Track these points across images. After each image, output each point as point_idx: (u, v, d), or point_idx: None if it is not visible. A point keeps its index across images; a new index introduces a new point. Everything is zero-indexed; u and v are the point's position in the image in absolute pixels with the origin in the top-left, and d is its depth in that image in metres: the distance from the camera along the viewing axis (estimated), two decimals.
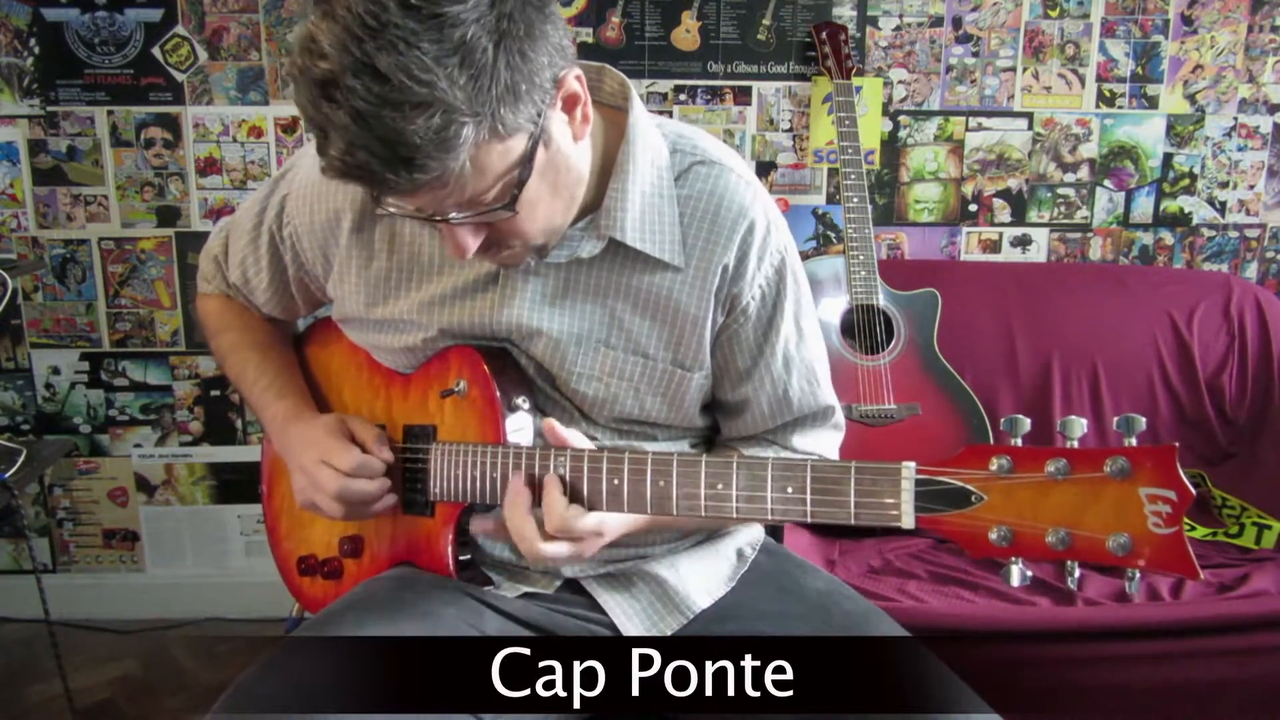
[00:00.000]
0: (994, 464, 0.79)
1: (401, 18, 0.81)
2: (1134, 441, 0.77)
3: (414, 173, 0.85)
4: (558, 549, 1.00)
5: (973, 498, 0.80)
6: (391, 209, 0.95)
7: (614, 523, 1.02)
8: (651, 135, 1.08)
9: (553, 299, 1.09)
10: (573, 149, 0.98)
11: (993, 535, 0.79)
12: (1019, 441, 0.81)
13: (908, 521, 0.83)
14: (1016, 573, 0.84)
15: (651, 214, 1.07)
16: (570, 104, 0.95)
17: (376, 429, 1.15)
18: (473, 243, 0.96)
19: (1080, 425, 0.81)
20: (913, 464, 0.83)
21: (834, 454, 1.24)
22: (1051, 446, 0.79)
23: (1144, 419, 0.78)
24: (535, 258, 1.05)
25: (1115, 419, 0.78)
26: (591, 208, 1.06)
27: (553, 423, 1.01)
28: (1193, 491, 0.73)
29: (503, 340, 1.12)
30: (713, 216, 1.08)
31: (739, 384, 1.15)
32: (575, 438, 1.02)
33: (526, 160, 0.91)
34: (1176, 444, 0.74)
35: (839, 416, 1.23)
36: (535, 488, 1.01)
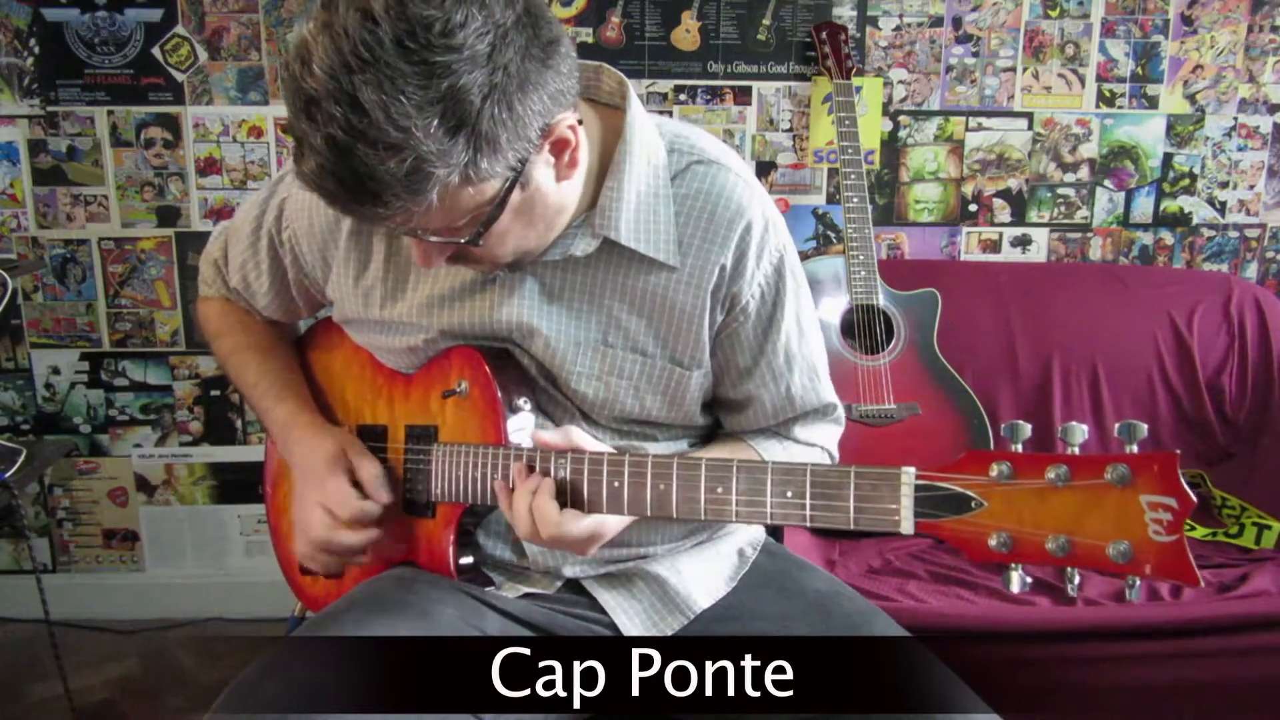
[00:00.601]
0: (994, 470, 0.79)
1: (394, 57, 0.81)
2: (1135, 448, 0.77)
3: (378, 207, 0.86)
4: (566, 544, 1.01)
5: (973, 503, 0.80)
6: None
7: (613, 522, 1.02)
8: (649, 134, 1.08)
9: (549, 298, 1.09)
10: (554, 188, 0.98)
11: (993, 541, 0.79)
12: (1019, 447, 0.81)
13: (907, 527, 0.83)
14: (1016, 579, 0.84)
15: (647, 213, 1.07)
16: (559, 148, 0.96)
17: (378, 467, 1.14)
18: (438, 258, 0.98)
19: (1081, 432, 0.81)
20: (913, 469, 0.83)
21: (834, 447, 1.25)
22: (1052, 452, 0.79)
23: (1145, 426, 0.78)
24: (505, 271, 1.06)
25: (1117, 426, 0.77)
26: (587, 206, 1.06)
27: (539, 434, 1.03)
28: (1194, 500, 0.73)
29: (503, 340, 1.12)
30: (709, 215, 1.08)
31: (740, 382, 1.15)
32: (576, 435, 1.02)
33: (499, 201, 0.92)
34: (1178, 451, 0.74)
35: (839, 412, 1.24)
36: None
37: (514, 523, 1.02)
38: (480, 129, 0.84)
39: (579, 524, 0.99)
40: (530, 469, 1.01)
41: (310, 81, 0.82)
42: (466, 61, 0.82)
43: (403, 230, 0.94)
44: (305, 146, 0.85)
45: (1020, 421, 0.83)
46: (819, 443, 1.22)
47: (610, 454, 0.98)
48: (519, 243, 1.00)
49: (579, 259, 1.08)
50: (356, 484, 1.13)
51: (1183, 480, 0.73)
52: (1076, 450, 0.79)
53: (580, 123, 0.97)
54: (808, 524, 0.89)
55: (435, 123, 0.82)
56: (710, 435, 1.24)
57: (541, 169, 0.95)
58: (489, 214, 0.92)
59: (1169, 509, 0.73)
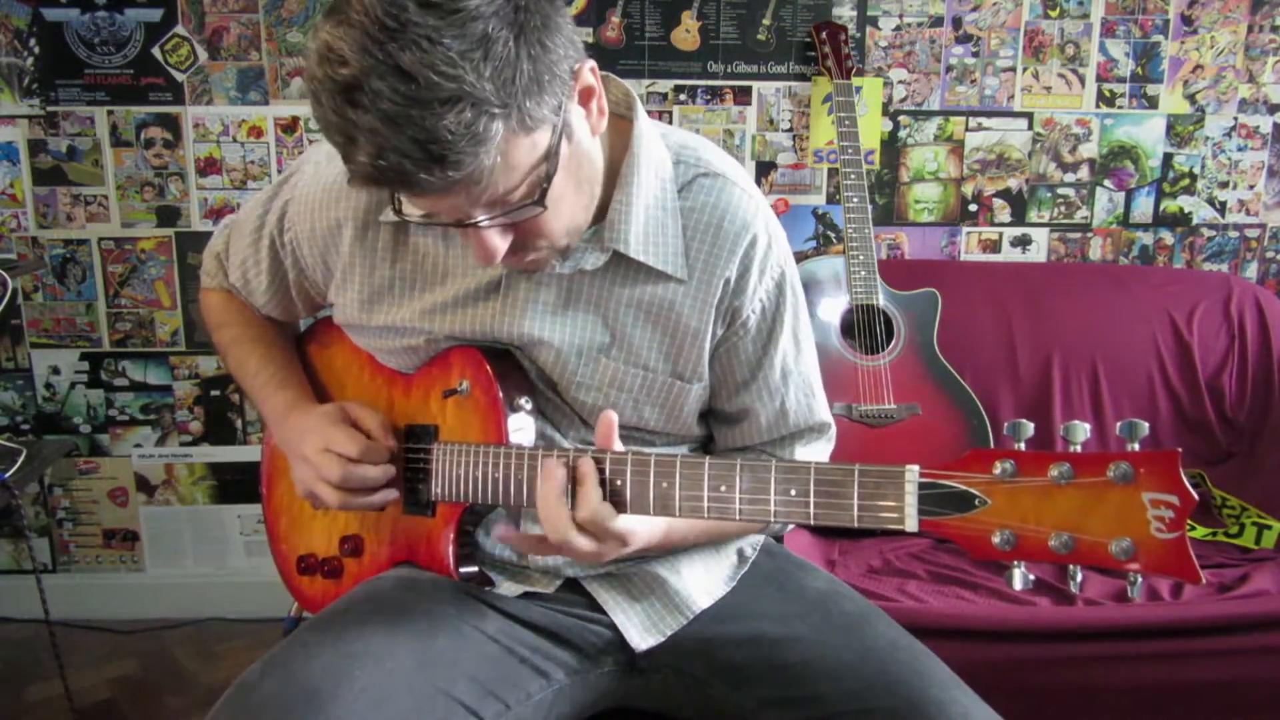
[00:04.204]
0: (997, 468, 0.79)
1: (421, 16, 0.80)
2: (1137, 446, 0.77)
3: (447, 170, 0.84)
4: (583, 542, 0.97)
5: (976, 501, 0.80)
6: (417, 217, 0.94)
7: (642, 531, 1.00)
8: (655, 146, 1.08)
9: (555, 309, 1.09)
10: (591, 143, 0.99)
11: (996, 539, 0.80)
12: (1022, 446, 0.81)
13: (910, 525, 0.83)
14: (1019, 576, 0.84)
15: (655, 226, 1.07)
16: (586, 96, 0.96)
17: (379, 415, 1.14)
18: (501, 245, 0.95)
19: (1083, 430, 0.82)
20: (916, 467, 0.83)
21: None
22: (1054, 451, 0.79)
23: (1147, 424, 0.78)
24: (559, 259, 1.05)
25: (1118, 424, 0.78)
26: (596, 219, 1.06)
27: (613, 416, 0.98)
28: (1195, 497, 0.73)
29: (505, 347, 1.12)
30: (715, 229, 1.08)
31: (736, 395, 1.16)
32: (617, 444, 0.99)
33: (552, 154, 0.91)
34: (1179, 449, 0.74)
35: (833, 430, 1.24)
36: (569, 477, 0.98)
37: (544, 509, 0.97)
38: (522, 68, 0.84)
39: (616, 520, 0.96)
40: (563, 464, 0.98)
41: (345, 70, 0.81)
42: (489, 3, 0.82)
43: (464, 218, 0.92)
44: (357, 135, 0.83)
45: (1023, 420, 0.83)
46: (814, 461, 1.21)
47: (613, 453, 0.98)
48: (572, 211, 0.98)
49: (587, 271, 1.08)
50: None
51: (1184, 478, 0.73)
52: (1078, 448, 0.79)
53: (595, 69, 0.96)
54: (811, 522, 0.89)
55: (482, 66, 0.81)
56: (708, 445, 1.24)
57: (577, 119, 0.95)
58: (546, 170, 0.91)
59: (1171, 506, 0.73)
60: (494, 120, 0.83)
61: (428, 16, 0.80)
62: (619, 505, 0.97)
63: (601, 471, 0.97)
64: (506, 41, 0.83)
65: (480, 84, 0.81)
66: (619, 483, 0.97)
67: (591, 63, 0.95)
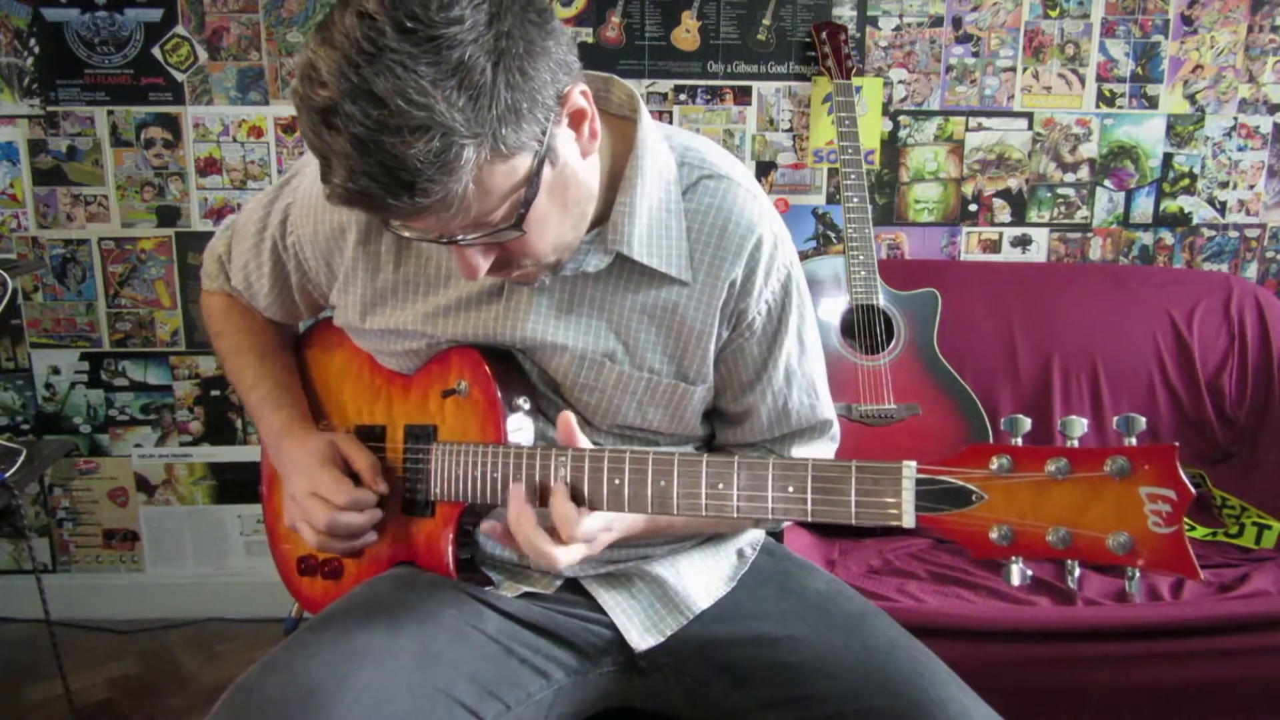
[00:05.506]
0: (994, 463, 0.79)
1: (398, 41, 0.80)
2: (1134, 441, 0.77)
3: (416, 196, 0.84)
4: (574, 553, 0.98)
5: (973, 497, 0.80)
6: (405, 232, 0.94)
7: (620, 520, 1.01)
8: (659, 148, 1.07)
9: (558, 313, 1.09)
10: (581, 165, 0.97)
11: (993, 534, 0.80)
12: (1019, 441, 0.81)
13: (908, 521, 0.83)
14: (1017, 572, 0.84)
15: (659, 228, 1.06)
16: (577, 120, 0.95)
17: (372, 457, 1.14)
18: (483, 263, 0.96)
19: (1081, 425, 0.81)
20: (913, 463, 0.83)
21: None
22: (1052, 446, 0.79)
23: (1144, 419, 0.78)
24: (549, 274, 1.05)
25: (1115, 419, 0.77)
26: (598, 221, 1.06)
27: (570, 417, 0.99)
28: (1192, 491, 0.73)
29: (507, 349, 1.12)
30: (720, 232, 1.08)
31: (741, 395, 1.16)
32: (582, 441, 1.01)
33: (532, 179, 0.91)
34: (1176, 444, 0.74)
35: (835, 429, 1.24)
36: (536, 492, 1.00)
37: (523, 537, 0.98)
38: (499, 96, 0.84)
39: (592, 520, 0.97)
40: (529, 491, 0.99)
41: (323, 92, 0.81)
42: (470, 30, 0.82)
43: (443, 236, 0.92)
44: (331, 157, 0.83)
45: (1020, 415, 0.83)
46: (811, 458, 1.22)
47: (611, 451, 0.98)
48: (558, 232, 0.98)
49: (590, 274, 1.08)
50: (352, 476, 1.13)
51: (1181, 472, 0.73)
52: (1076, 444, 0.79)
53: (588, 93, 0.95)
54: (809, 519, 0.89)
55: (454, 94, 0.81)
56: (709, 442, 1.24)
57: (565, 142, 0.94)
58: (525, 194, 0.91)
59: (1168, 500, 0.73)
60: (465, 149, 0.83)
61: (404, 42, 0.80)
62: (617, 503, 0.97)
63: (564, 478, 0.98)
64: (484, 70, 0.82)
65: (450, 113, 0.81)
66: (617, 481, 0.97)
67: (583, 86, 0.94)
